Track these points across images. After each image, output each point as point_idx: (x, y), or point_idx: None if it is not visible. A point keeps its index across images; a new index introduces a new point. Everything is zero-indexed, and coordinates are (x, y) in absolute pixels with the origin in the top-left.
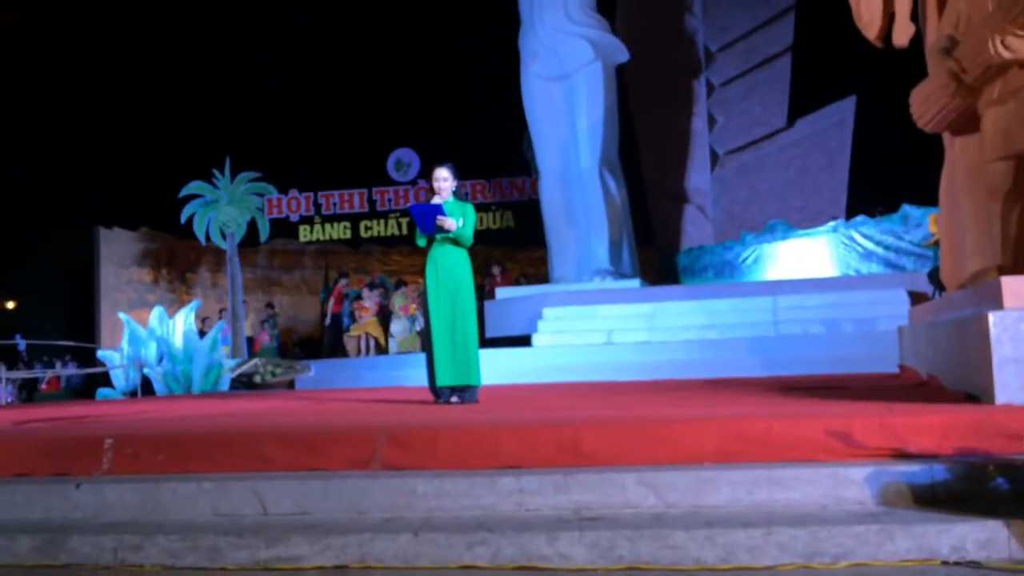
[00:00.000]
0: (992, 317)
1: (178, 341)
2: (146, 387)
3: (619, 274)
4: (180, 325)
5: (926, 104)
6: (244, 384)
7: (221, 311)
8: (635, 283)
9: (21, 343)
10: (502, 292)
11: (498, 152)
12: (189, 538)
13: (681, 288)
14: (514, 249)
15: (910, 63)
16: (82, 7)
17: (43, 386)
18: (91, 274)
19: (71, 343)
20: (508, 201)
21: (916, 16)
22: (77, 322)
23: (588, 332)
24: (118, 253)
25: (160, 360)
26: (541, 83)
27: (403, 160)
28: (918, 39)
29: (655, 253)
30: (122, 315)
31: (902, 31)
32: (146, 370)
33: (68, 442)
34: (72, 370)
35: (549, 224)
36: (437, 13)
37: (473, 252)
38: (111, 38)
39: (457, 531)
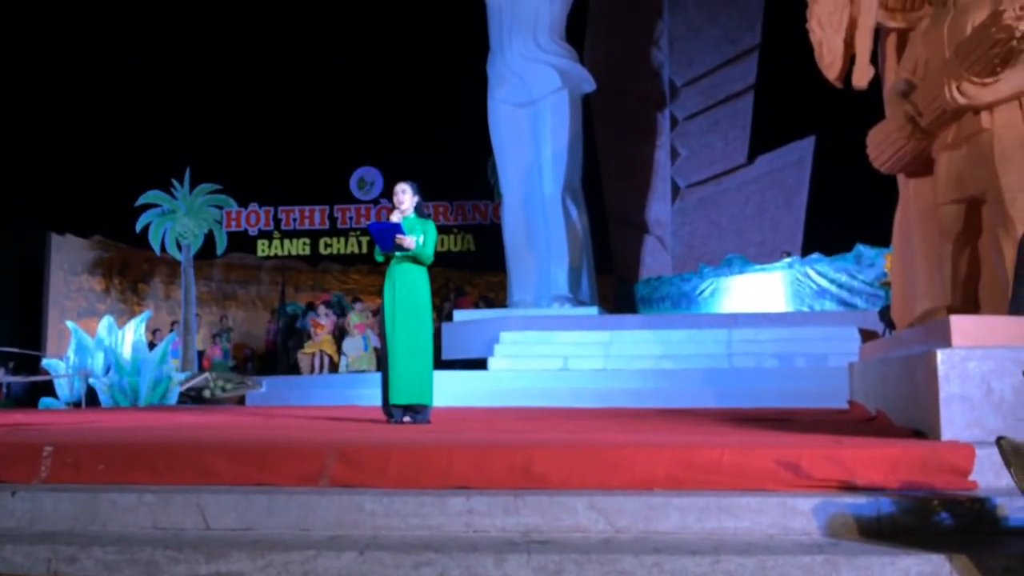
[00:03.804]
0: (940, 355)
1: (126, 352)
2: (91, 398)
3: (577, 301)
4: (129, 336)
5: (883, 145)
6: (193, 398)
7: (173, 323)
8: (593, 311)
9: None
10: (460, 314)
11: (462, 175)
12: (126, 551)
13: (638, 317)
14: (473, 273)
15: (869, 105)
16: (41, 9)
17: None
18: (40, 280)
19: (15, 350)
20: (470, 224)
21: (876, 59)
22: (22, 328)
23: (545, 357)
24: (69, 260)
25: (107, 371)
26: (507, 109)
27: (366, 178)
28: (877, 82)
29: (614, 282)
30: (70, 323)
31: (862, 73)
32: (92, 380)
33: (5, 448)
34: (14, 378)
35: (510, 249)
36: (406, 33)
37: (432, 274)
38: (75, 38)
39: (403, 550)
